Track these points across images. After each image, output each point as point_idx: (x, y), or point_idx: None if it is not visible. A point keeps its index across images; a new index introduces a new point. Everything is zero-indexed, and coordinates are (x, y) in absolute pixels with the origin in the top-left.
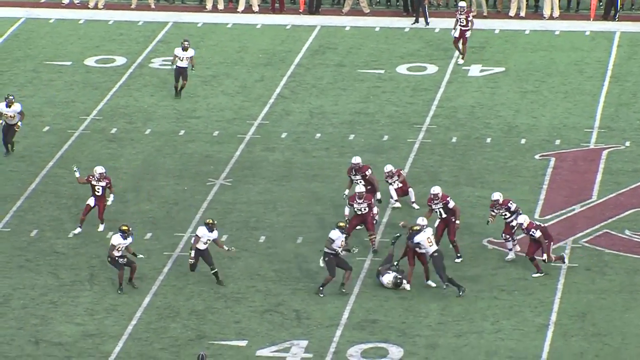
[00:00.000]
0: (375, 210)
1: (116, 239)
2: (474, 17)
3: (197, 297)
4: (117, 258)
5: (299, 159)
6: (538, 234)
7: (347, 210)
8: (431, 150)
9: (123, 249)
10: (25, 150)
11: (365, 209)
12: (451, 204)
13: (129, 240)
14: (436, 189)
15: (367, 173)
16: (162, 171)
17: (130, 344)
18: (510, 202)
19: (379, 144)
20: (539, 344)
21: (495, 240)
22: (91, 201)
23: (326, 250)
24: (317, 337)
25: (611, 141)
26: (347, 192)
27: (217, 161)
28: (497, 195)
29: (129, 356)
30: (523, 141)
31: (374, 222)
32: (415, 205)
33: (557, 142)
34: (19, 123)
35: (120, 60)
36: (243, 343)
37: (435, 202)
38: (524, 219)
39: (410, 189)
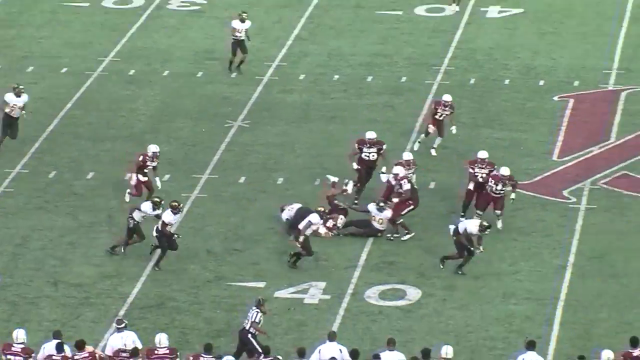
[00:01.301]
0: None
1: (168, 217)
2: None
3: (216, 238)
4: (171, 234)
5: (316, 101)
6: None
7: (383, 178)
8: (449, 92)
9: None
10: (44, 91)
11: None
12: (494, 172)
13: (178, 217)
14: (484, 153)
15: (383, 147)
16: (181, 113)
17: (148, 285)
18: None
19: (397, 85)
20: (557, 286)
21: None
22: (141, 177)
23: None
24: (335, 279)
25: (630, 82)
26: (355, 165)
27: (235, 103)
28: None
29: (147, 297)
30: (541, 83)
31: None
32: (433, 152)
33: (576, 83)
34: (23, 113)
35: (137, 2)
36: (261, 284)
37: (481, 166)
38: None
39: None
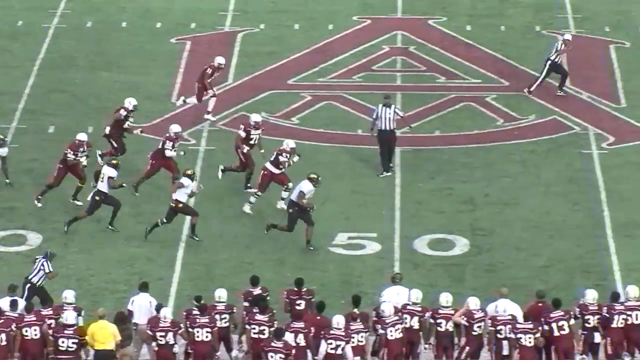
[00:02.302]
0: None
1: (186, 181)
2: None
3: None
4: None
5: None
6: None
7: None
8: (66, 35)
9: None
10: None
11: None
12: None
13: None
14: (257, 117)
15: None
16: None
17: None
18: None
19: (14, 30)
20: (178, 228)
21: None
22: None
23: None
24: None
25: (246, 24)
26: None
27: None
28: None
29: None
30: (159, 25)
31: None
32: (211, 117)
33: (193, 25)
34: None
35: None
36: None
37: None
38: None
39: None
